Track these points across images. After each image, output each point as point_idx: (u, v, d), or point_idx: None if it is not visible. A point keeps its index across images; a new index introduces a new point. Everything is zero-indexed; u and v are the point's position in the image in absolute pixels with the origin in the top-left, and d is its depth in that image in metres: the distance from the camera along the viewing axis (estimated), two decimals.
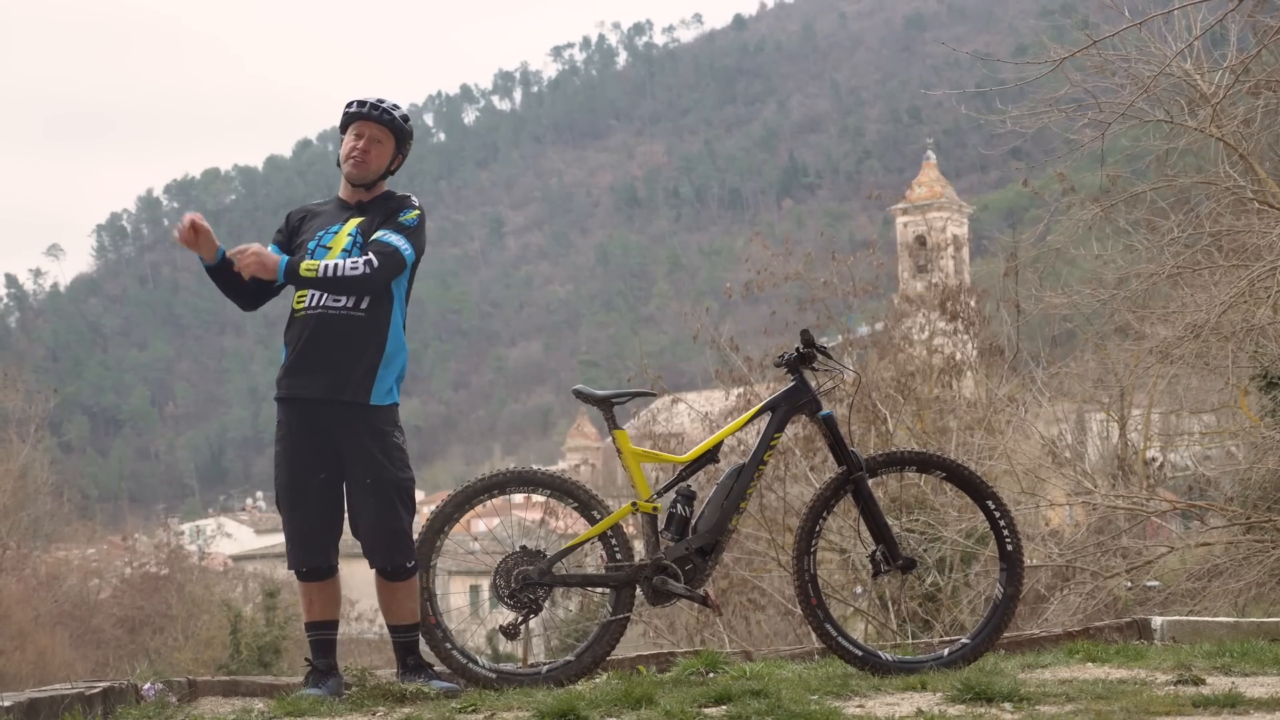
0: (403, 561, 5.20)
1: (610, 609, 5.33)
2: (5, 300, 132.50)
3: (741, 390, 16.94)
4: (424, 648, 5.34)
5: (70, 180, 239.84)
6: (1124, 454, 15.61)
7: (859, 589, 13.65)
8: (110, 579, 33.98)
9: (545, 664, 5.39)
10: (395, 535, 5.18)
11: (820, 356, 5.46)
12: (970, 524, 11.62)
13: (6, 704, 4.44)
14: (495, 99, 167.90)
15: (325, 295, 5.17)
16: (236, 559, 45.88)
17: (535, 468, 5.72)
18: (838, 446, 5.40)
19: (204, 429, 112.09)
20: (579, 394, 5.54)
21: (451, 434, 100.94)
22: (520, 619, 5.29)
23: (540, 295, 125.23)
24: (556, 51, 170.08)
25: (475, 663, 5.27)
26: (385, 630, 5.46)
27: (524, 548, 5.39)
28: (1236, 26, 10.29)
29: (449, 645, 5.28)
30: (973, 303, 19.57)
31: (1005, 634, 5.69)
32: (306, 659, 5.31)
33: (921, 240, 52.13)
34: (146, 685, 5.22)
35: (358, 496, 5.20)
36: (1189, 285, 11.30)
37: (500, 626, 5.29)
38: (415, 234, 5.27)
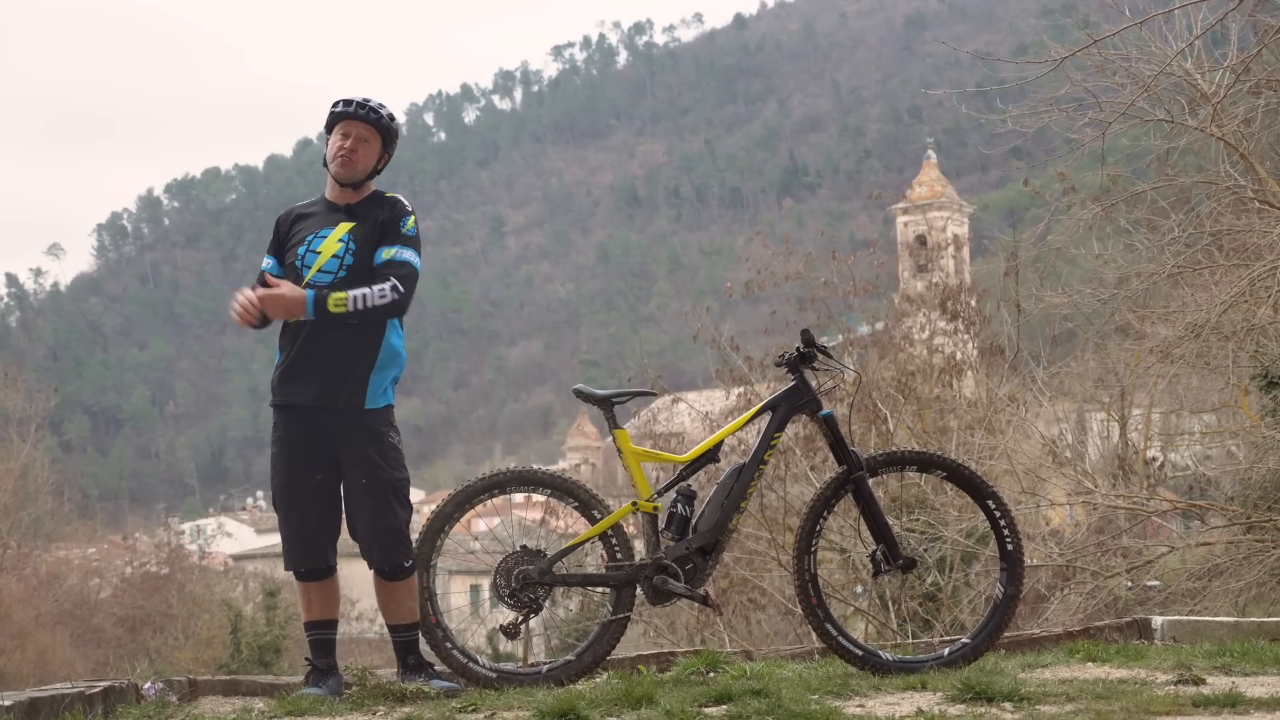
0: (400, 561, 5.20)
1: (610, 608, 5.33)
2: (6, 300, 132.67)
3: (742, 390, 16.94)
4: (424, 647, 5.35)
5: (71, 180, 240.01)
6: (1124, 454, 15.60)
7: (859, 589, 13.65)
8: (111, 578, 33.97)
9: (545, 663, 5.39)
10: (392, 534, 5.18)
11: (820, 356, 5.46)
12: (970, 523, 11.62)
13: (7, 703, 4.44)
14: (496, 98, 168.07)
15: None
16: (237, 558, 45.88)
17: (536, 467, 5.72)
18: (838, 446, 5.40)
19: (204, 428, 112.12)
20: (579, 393, 5.55)
21: (452, 433, 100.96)
22: (520, 618, 5.29)
23: (540, 295, 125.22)
24: (557, 51, 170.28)
25: (475, 662, 5.28)
26: (385, 630, 5.47)
27: (524, 547, 5.39)
28: (1237, 26, 10.29)
29: (449, 645, 5.28)
30: (973, 302, 19.56)
31: (1005, 634, 5.69)
32: (306, 658, 5.31)
33: (922, 240, 52.12)
34: (147, 684, 5.22)
35: (354, 497, 5.20)
36: (1189, 285, 11.30)
37: (500, 626, 5.29)
38: (419, 242, 5.32)
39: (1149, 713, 4.25)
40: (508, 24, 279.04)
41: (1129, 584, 12.55)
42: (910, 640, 8.90)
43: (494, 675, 5.23)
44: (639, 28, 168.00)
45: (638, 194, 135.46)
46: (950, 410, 15.90)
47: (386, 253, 5.22)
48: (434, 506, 5.44)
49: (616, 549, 5.33)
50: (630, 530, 5.61)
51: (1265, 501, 11.67)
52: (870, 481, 5.41)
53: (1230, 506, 12.31)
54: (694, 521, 5.35)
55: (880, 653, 5.35)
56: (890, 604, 12.24)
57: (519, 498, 7.28)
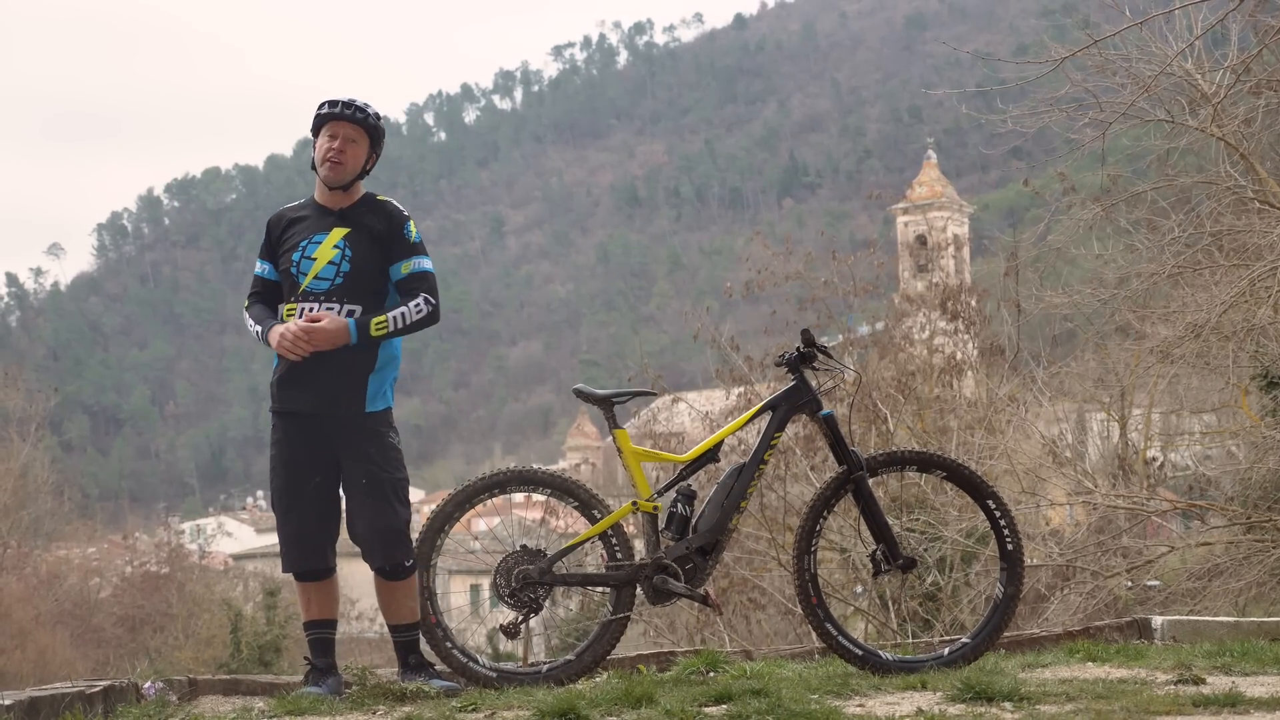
0: (401, 560, 5.20)
1: (610, 608, 5.33)
2: (6, 299, 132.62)
3: (742, 390, 16.94)
4: (424, 647, 5.35)
5: (71, 179, 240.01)
6: (1124, 454, 15.61)
7: (859, 588, 13.65)
8: (111, 578, 33.97)
9: (545, 663, 5.39)
10: (393, 533, 5.18)
11: (821, 356, 5.47)
12: (970, 523, 11.62)
13: (7, 703, 4.44)
14: (496, 98, 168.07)
15: (316, 309, 5.17)
16: (237, 558, 45.89)
17: (536, 467, 5.72)
18: (838, 446, 5.40)
19: (204, 428, 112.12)
20: (579, 393, 5.55)
21: (452, 433, 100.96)
22: (520, 618, 5.30)
23: (540, 295, 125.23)
24: (557, 51, 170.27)
25: (475, 662, 5.28)
26: (385, 629, 5.47)
27: (524, 547, 5.40)
28: (1237, 26, 10.29)
29: (449, 644, 5.29)
30: (973, 302, 19.56)
31: (1005, 633, 5.69)
32: (306, 658, 5.31)
33: (922, 240, 52.11)
34: (147, 684, 5.22)
35: (355, 498, 5.21)
36: (1189, 285, 11.30)
37: (500, 625, 5.30)
38: (424, 245, 5.34)
39: (1149, 713, 4.25)
40: (508, 24, 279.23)
41: (1129, 584, 12.55)
42: (910, 640, 8.90)
43: (494, 675, 5.23)
44: (639, 28, 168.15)
45: (638, 194, 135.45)
46: (950, 410, 15.90)
47: (405, 266, 5.25)
48: (434, 506, 5.44)
49: (616, 549, 5.33)
50: (630, 530, 5.62)
51: (1265, 501, 11.67)
52: (870, 481, 5.41)
53: (1230, 506, 12.31)
54: (694, 521, 5.35)
55: (880, 652, 5.35)
56: (890, 604, 12.23)
57: (519, 497, 7.29)
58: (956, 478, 5.51)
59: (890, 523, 5.52)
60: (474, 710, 4.65)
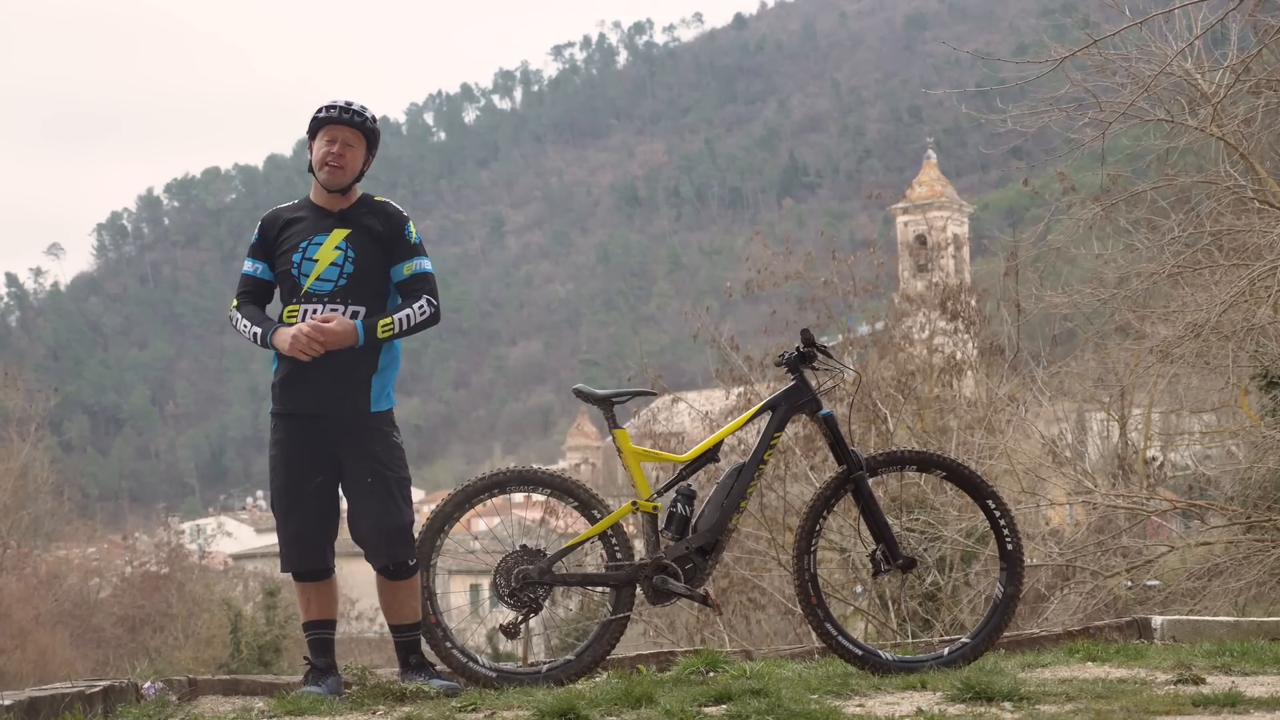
0: (405, 558, 5.21)
1: (610, 608, 5.33)
2: (5, 299, 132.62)
3: (742, 390, 16.94)
4: (424, 647, 5.35)
5: (71, 179, 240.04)
6: (1124, 453, 15.60)
7: (859, 588, 13.65)
8: (110, 578, 33.97)
9: (545, 663, 5.40)
10: (400, 532, 5.20)
11: (820, 356, 5.47)
12: (970, 523, 11.61)
13: (7, 703, 4.44)
14: (496, 98, 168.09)
15: (320, 310, 5.17)
16: (237, 558, 45.89)
17: (535, 467, 5.72)
18: (838, 446, 5.40)
19: (204, 428, 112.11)
20: (579, 393, 5.55)
21: (451, 433, 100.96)
22: (520, 618, 5.30)
23: (540, 294, 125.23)
24: (557, 51, 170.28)
25: (475, 662, 5.28)
26: (385, 629, 5.47)
27: (524, 547, 5.40)
28: (1237, 25, 10.29)
29: (449, 644, 5.29)
30: (973, 302, 19.55)
31: (1005, 633, 5.69)
32: (306, 658, 5.32)
33: (922, 240, 52.12)
34: (147, 684, 5.22)
35: (359, 497, 5.21)
36: (1189, 285, 11.29)
37: (500, 625, 5.30)
38: (424, 246, 5.37)
39: (1149, 712, 4.25)
40: (508, 24, 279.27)
41: (1129, 584, 12.55)
42: (910, 640, 8.90)
43: (494, 675, 5.23)
44: (639, 27, 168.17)
45: (638, 194, 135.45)
46: (950, 410, 15.89)
47: (407, 268, 5.28)
48: (434, 506, 5.44)
49: (616, 549, 5.33)
50: (630, 530, 5.62)
51: (1265, 501, 11.66)
52: (870, 481, 5.41)
53: (1230, 506, 12.31)
54: (694, 521, 5.35)
55: (880, 652, 5.35)
56: (890, 604, 12.23)
57: (519, 497, 7.28)
58: (956, 477, 5.51)
59: (890, 522, 5.52)
60: (474, 710, 4.65)
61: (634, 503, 5.35)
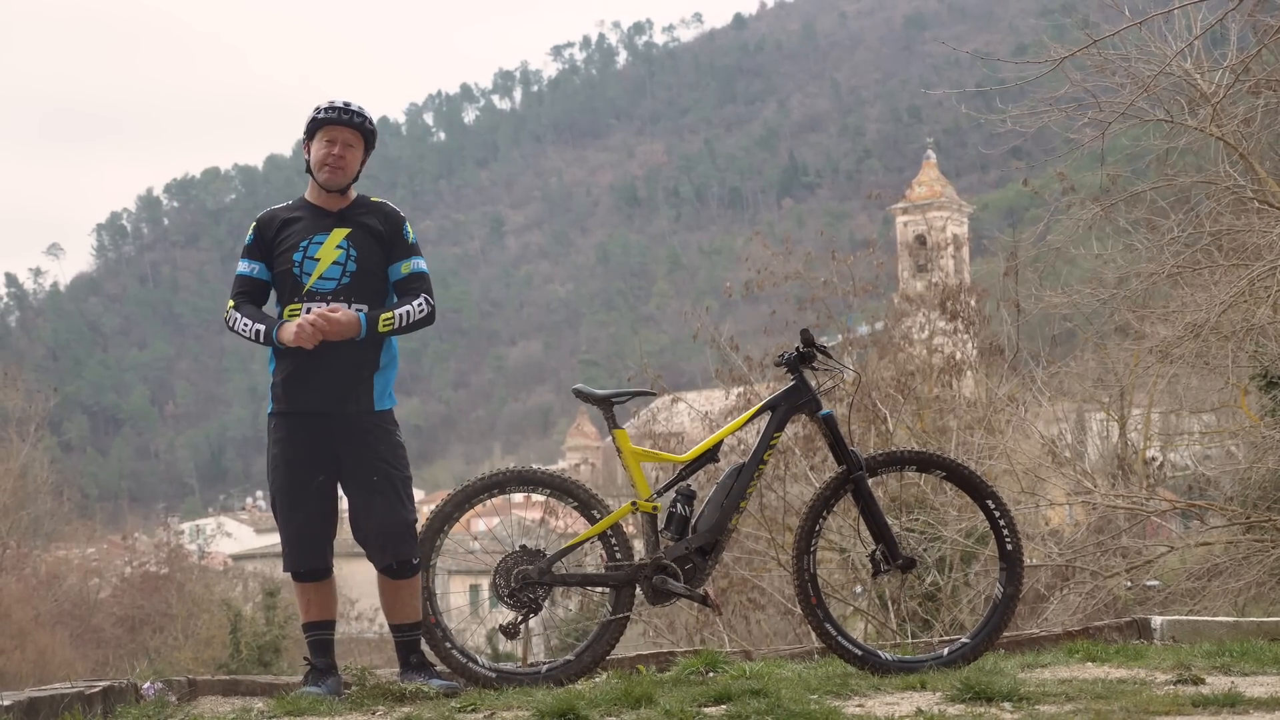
0: (409, 557, 5.22)
1: (610, 608, 5.33)
2: (5, 300, 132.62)
3: (741, 390, 16.94)
4: (424, 647, 5.35)
5: (70, 179, 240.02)
6: (1124, 453, 15.60)
7: (859, 588, 13.65)
8: (110, 578, 33.99)
9: (545, 663, 5.40)
10: (406, 529, 5.22)
11: (820, 356, 5.47)
12: (970, 523, 11.62)
13: (6, 703, 4.44)
14: (495, 98, 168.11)
15: (323, 308, 5.17)
16: (236, 558, 45.88)
17: (535, 467, 5.73)
18: (838, 446, 5.40)
19: (204, 428, 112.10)
20: (579, 393, 5.55)
21: (451, 433, 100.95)
22: (520, 618, 5.30)
23: (540, 294, 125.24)
24: (556, 51, 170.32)
25: (475, 662, 5.28)
26: (385, 629, 5.48)
27: (524, 547, 5.40)
28: (1236, 26, 10.29)
29: (449, 644, 5.29)
30: (973, 302, 19.56)
31: (1005, 633, 5.69)
32: (306, 658, 5.32)
33: (921, 240, 52.15)
34: (146, 684, 5.22)
35: (364, 496, 5.21)
36: (1189, 285, 11.29)
37: (500, 626, 5.30)
38: (420, 246, 5.41)
39: (1148, 713, 4.25)
40: (508, 24, 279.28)
41: (1128, 584, 12.55)
42: (910, 640, 8.90)
43: (493, 675, 5.23)
44: (639, 28, 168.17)
45: (637, 194, 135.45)
46: (950, 410, 15.89)
47: (405, 267, 5.32)
48: (434, 506, 5.45)
49: (616, 549, 5.33)
50: (630, 530, 5.62)
51: (1265, 501, 11.67)
52: (870, 481, 5.41)
53: (1230, 506, 12.31)
54: (693, 521, 5.35)
55: (880, 652, 5.35)
56: (890, 604, 12.23)
57: (519, 498, 7.29)
58: (956, 477, 5.51)
59: (890, 523, 5.52)
60: (473, 710, 4.65)
61: (634, 503, 5.35)
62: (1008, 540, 5.38)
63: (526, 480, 5.43)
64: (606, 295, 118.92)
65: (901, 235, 55.85)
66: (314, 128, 5.31)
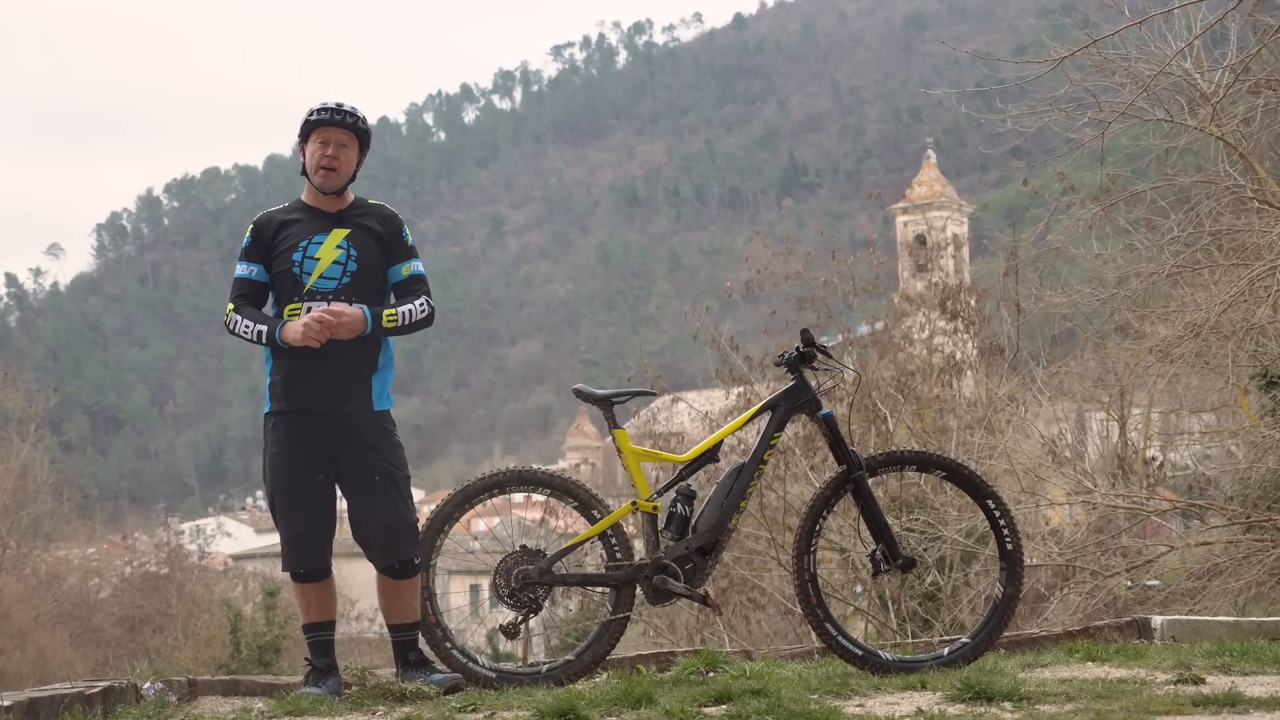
0: (411, 556, 5.23)
1: (610, 608, 5.34)
2: (5, 300, 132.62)
3: (741, 390, 16.94)
4: (424, 647, 5.35)
5: (70, 179, 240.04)
6: (1124, 453, 15.60)
7: (859, 588, 13.65)
8: (110, 578, 33.98)
9: (545, 663, 5.40)
10: (409, 528, 5.23)
11: (820, 356, 5.47)
12: (970, 523, 11.62)
13: (6, 703, 4.44)
14: (495, 98, 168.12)
15: (324, 307, 5.17)
16: (236, 558, 45.88)
17: (535, 467, 5.73)
18: (838, 446, 5.40)
19: (204, 428, 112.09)
20: (579, 393, 5.55)
21: (451, 433, 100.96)
22: (520, 618, 5.30)
23: (540, 294, 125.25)
24: (556, 51, 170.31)
25: (475, 662, 5.28)
26: (385, 630, 5.47)
27: (524, 547, 5.40)
28: (1236, 25, 10.29)
29: (449, 644, 5.29)
30: (973, 302, 19.55)
31: (1005, 633, 5.69)
32: (306, 658, 5.32)
33: (921, 239, 52.18)
34: (146, 684, 5.22)
35: (365, 496, 5.21)
36: (1189, 284, 11.29)
37: (500, 626, 5.30)
38: (418, 248, 5.44)
39: (1149, 712, 4.25)
40: (508, 24, 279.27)
41: (1129, 584, 12.55)
42: (910, 640, 8.90)
43: (493, 675, 5.23)
44: (639, 28, 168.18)
45: (638, 194, 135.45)
46: (950, 410, 15.90)
47: (405, 269, 5.35)
48: (434, 506, 5.45)
49: (616, 549, 5.33)
50: (630, 530, 5.62)
51: (1265, 501, 11.67)
52: (870, 481, 5.41)
53: (1230, 506, 12.31)
54: (694, 521, 5.35)
55: (880, 652, 5.35)
56: (890, 604, 12.23)
57: (519, 498, 7.29)
58: (956, 477, 5.51)
59: (890, 523, 5.52)
60: (473, 710, 4.65)
61: (634, 503, 5.35)
62: (1008, 540, 5.39)
63: (527, 480, 5.43)
64: (606, 295, 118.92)
65: (901, 235, 55.87)
66: (307, 130, 5.33)
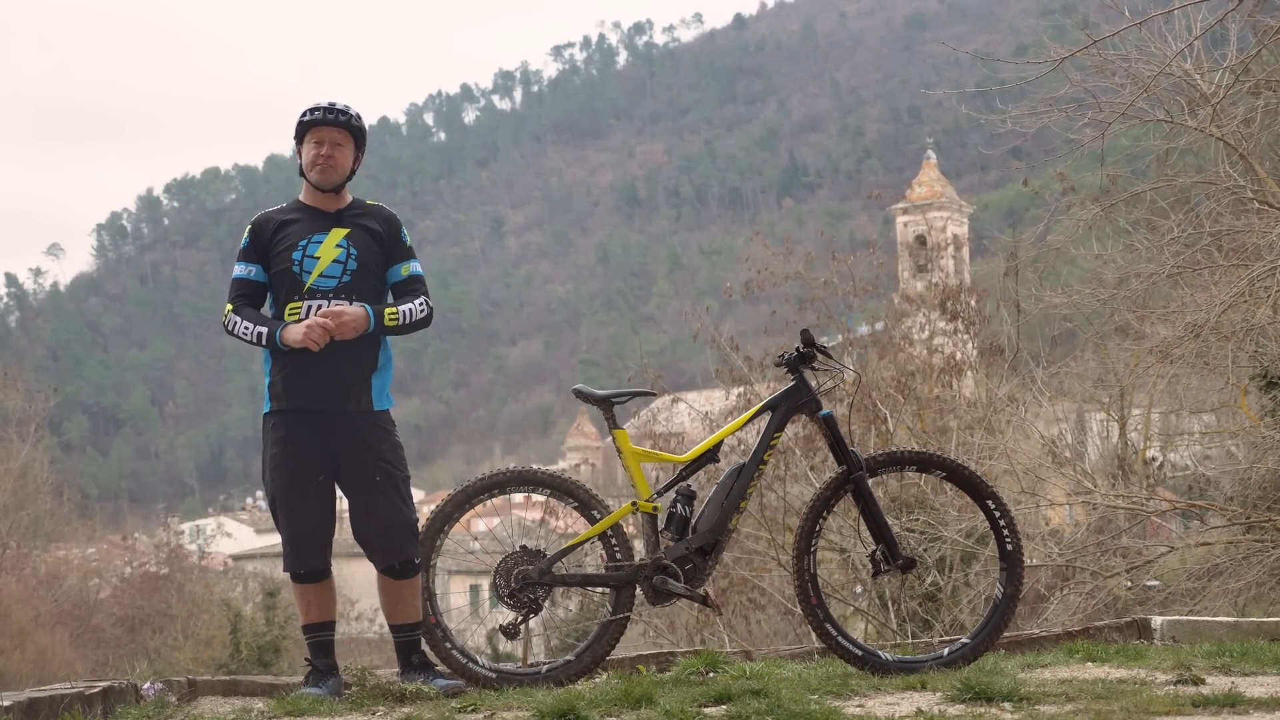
0: (411, 556, 5.24)
1: (610, 608, 5.34)
2: (5, 300, 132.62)
3: (741, 390, 16.94)
4: (425, 647, 5.35)
5: (70, 179, 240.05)
6: (1124, 454, 15.60)
7: (859, 588, 13.65)
8: (110, 578, 33.98)
9: (545, 663, 5.40)
10: (410, 528, 5.24)
11: (820, 356, 5.47)
12: (970, 523, 11.61)
13: (6, 704, 4.44)
14: (495, 98, 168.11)
15: (325, 306, 5.18)
16: (236, 558, 45.88)
17: (535, 467, 5.73)
18: (838, 446, 5.40)
19: (204, 428, 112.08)
20: (579, 393, 5.55)
21: (451, 433, 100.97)
22: (520, 618, 5.30)
23: (540, 295, 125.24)
24: (557, 51, 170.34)
25: (475, 662, 5.28)
26: (385, 629, 5.48)
27: (524, 547, 5.40)
28: (1236, 26, 10.29)
29: (449, 645, 5.29)
30: (973, 302, 19.55)
31: (1005, 633, 5.69)
32: (307, 659, 5.32)
33: (922, 240, 52.18)
34: (146, 685, 5.22)
35: (366, 497, 5.21)
36: (1189, 285, 11.29)
37: (500, 626, 5.30)
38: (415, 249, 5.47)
39: (1149, 713, 4.25)
40: (508, 24, 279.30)
41: (1129, 584, 12.55)
42: (910, 640, 8.90)
43: (493, 675, 5.23)
44: (639, 28, 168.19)
45: (638, 194, 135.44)
46: (950, 410, 15.89)
47: (404, 269, 5.38)
48: (434, 506, 5.45)
49: (616, 549, 5.33)
50: (630, 530, 5.62)
51: (1265, 501, 11.66)
52: (870, 481, 5.41)
53: (1230, 506, 12.31)
54: (694, 521, 5.35)
55: (880, 653, 5.35)
56: (890, 604, 12.23)
57: (519, 498, 7.29)
58: (956, 478, 5.51)
59: (890, 523, 5.52)
60: (474, 711, 4.65)
61: (634, 503, 5.35)
62: (1008, 540, 5.39)
63: (527, 480, 5.43)
64: (606, 295, 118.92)
65: (901, 235, 55.88)
66: (302, 131, 5.35)
